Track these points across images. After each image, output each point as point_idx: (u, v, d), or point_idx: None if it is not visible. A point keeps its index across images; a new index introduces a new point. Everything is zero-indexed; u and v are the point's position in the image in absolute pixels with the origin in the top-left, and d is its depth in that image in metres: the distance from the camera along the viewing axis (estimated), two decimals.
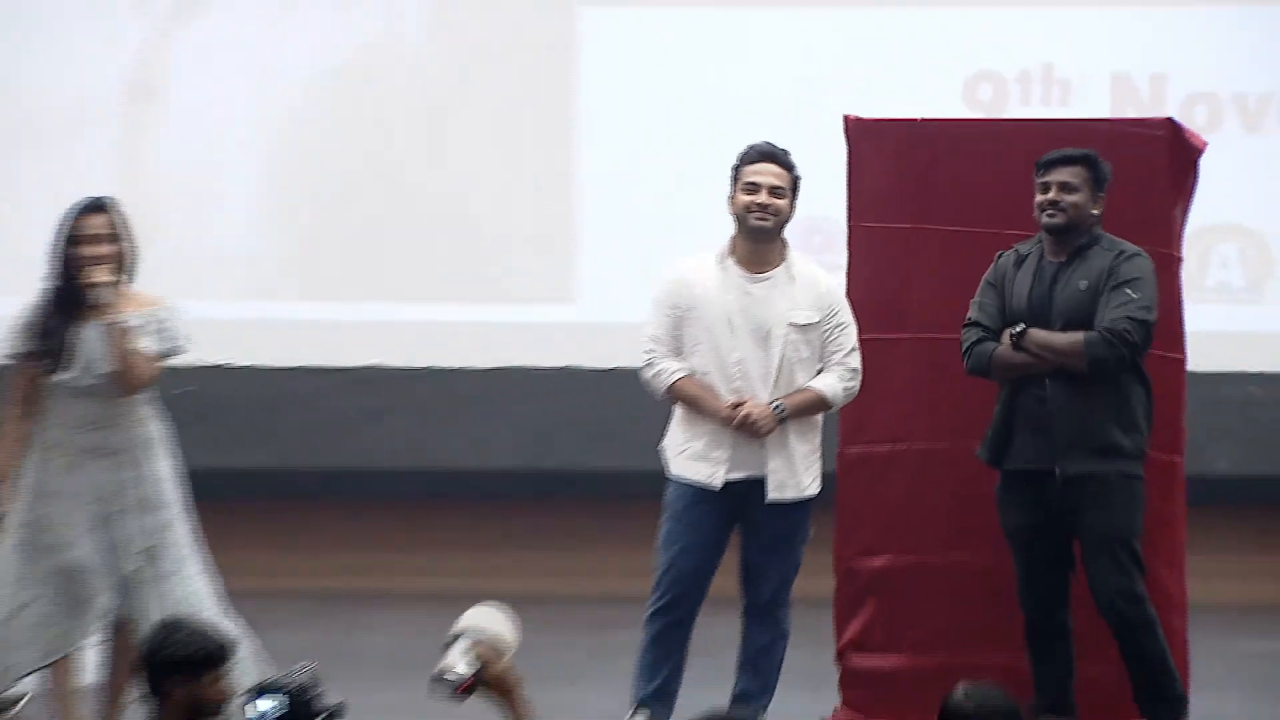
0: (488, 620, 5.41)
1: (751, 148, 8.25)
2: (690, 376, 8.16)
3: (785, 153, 8.22)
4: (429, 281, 11.55)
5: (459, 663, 5.31)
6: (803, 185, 8.24)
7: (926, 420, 8.65)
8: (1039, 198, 8.04)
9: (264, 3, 11.70)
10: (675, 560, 8.25)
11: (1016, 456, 8.06)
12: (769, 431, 8.06)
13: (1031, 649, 8.13)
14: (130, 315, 7.91)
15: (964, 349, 8.10)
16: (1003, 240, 8.33)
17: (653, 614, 8.27)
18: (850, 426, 8.70)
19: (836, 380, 8.16)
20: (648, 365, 8.25)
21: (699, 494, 8.20)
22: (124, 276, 7.96)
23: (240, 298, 11.57)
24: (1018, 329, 7.96)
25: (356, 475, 11.63)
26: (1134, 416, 7.98)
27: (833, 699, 8.72)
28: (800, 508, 8.22)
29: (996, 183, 8.56)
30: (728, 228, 8.25)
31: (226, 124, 11.69)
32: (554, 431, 11.39)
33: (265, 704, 5.48)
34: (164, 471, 8.10)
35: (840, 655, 8.78)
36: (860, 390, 8.27)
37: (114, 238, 7.96)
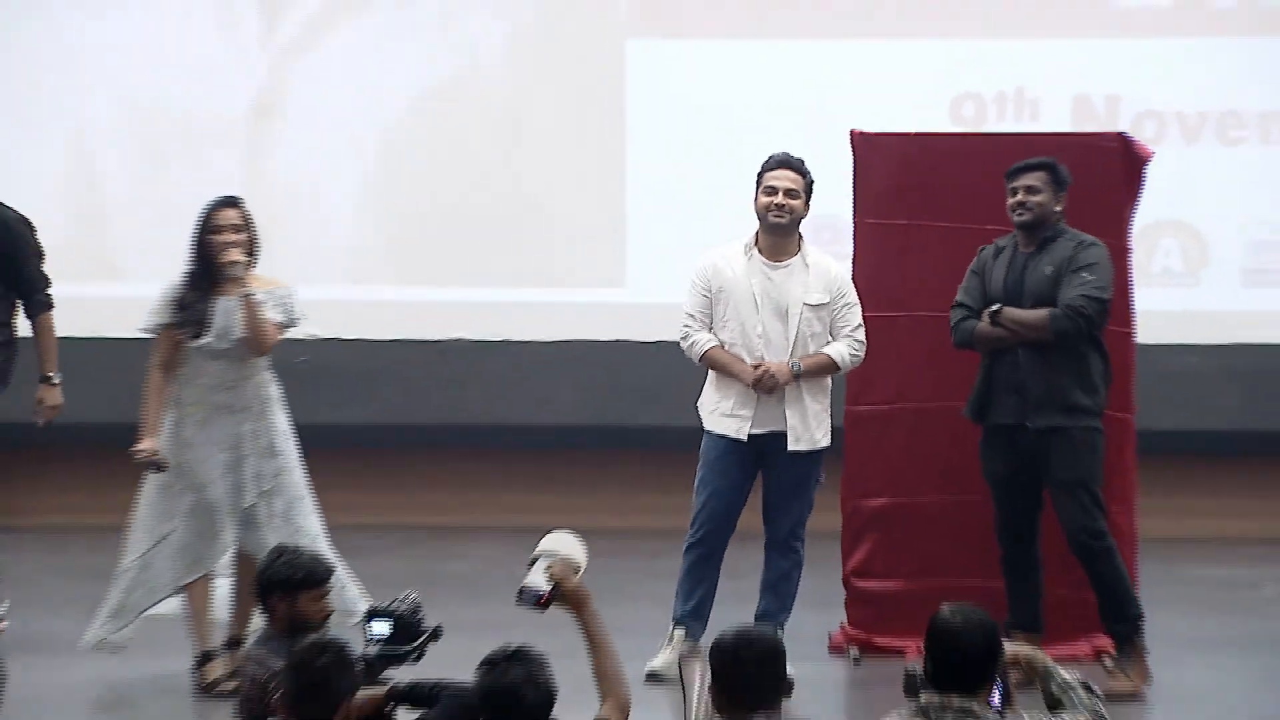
0: (562, 544, 5.40)
1: (771, 156, 8.25)
2: (719, 346, 8.16)
3: (800, 160, 8.20)
4: (503, 268, 11.54)
5: (539, 579, 5.30)
6: (816, 188, 8.23)
7: (921, 385, 8.64)
8: (1009, 200, 8.03)
9: (368, 36, 11.67)
10: (708, 501, 8.25)
11: (995, 414, 8.05)
12: (786, 383, 8.04)
13: (1007, 576, 8.12)
14: (258, 291, 7.95)
15: (952, 325, 8.08)
16: (985, 234, 8.31)
17: (690, 546, 8.27)
18: (856, 389, 8.70)
19: (845, 348, 8.15)
20: (684, 337, 8.25)
21: (729, 445, 8.19)
22: (251, 260, 7.99)
23: (346, 282, 11.56)
24: (994, 308, 7.95)
25: (442, 429, 11.62)
26: (1093, 380, 7.97)
27: (840, 616, 8.73)
28: (813, 457, 8.21)
29: (979, 186, 8.54)
30: (753, 223, 8.24)
31: (335, 137, 11.68)
32: (608, 393, 11.38)
33: (378, 626, 5.48)
34: (280, 425, 8.11)
35: (846, 581, 8.78)
36: (865, 359, 8.26)
37: (243, 228, 8.00)
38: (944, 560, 8.52)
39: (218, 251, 7.91)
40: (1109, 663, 8.09)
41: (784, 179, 8.15)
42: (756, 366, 8.05)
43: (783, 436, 8.13)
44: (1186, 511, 10.97)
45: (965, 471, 8.40)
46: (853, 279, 8.34)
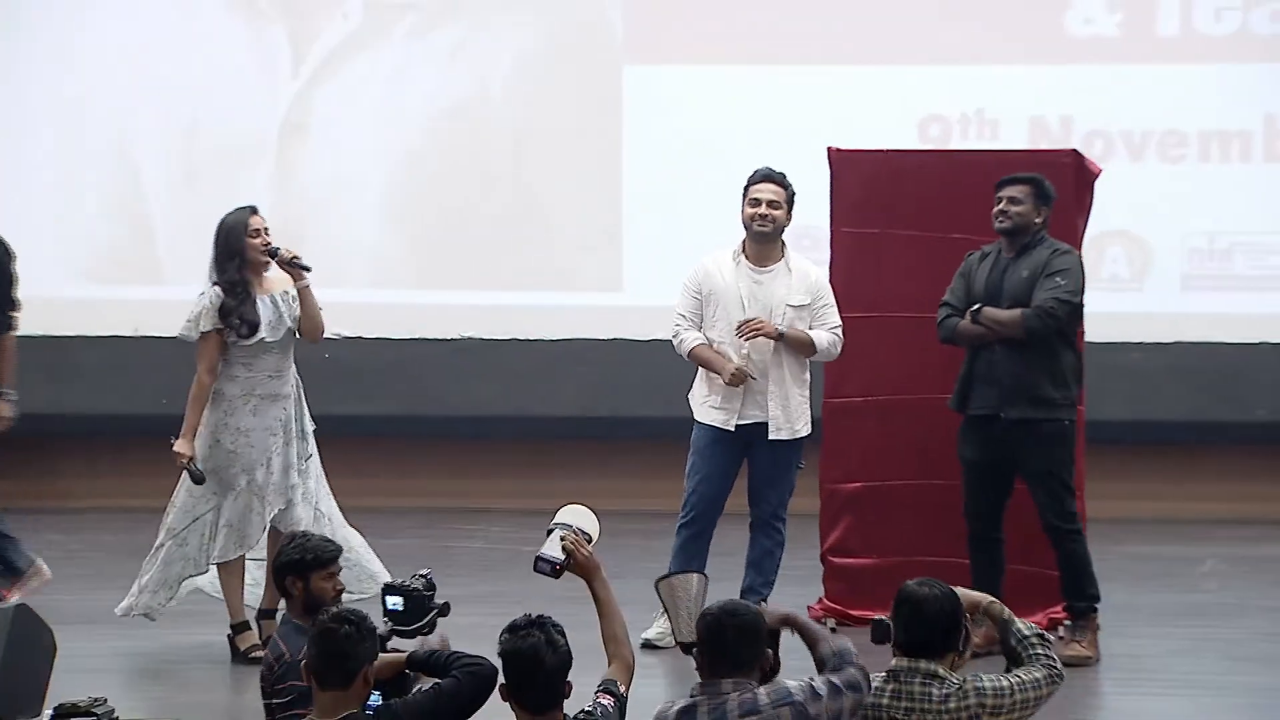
0: (576, 517, 5.34)
1: (756, 171, 8.24)
2: (705, 344, 8.14)
3: (782, 174, 8.18)
4: (511, 273, 11.51)
5: (555, 549, 5.25)
6: (797, 200, 8.19)
7: (891, 379, 8.61)
8: (994, 209, 7.98)
9: (387, 64, 11.65)
10: (698, 486, 8.22)
11: (974, 404, 8.02)
12: (772, 337, 8.01)
13: (972, 554, 8.08)
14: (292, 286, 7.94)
15: (937, 322, 8.04)
16: (950, 242, 8.30)
17: (681, 526, 8.24)
18: (833, 383, 8.67)
19: (827, 335, 8.15)
20: (675, 335, 8.25)
21: (717, 435, 8.16)
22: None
23: (367, 285, 11.53)
24: (975, 307, 7.92)
25: (455, 420, 11.59)
26: (1065, 375, 7.95)
27: (818, 591, 8.69)
28: (794, 444, 8.18)
29: (944, 198, 8.53)
30: (740, 232, 8.20)
31: (357, 154, 11.67)
32: (606, 388, 11.35)
33: (392, 600, 5.42)
34: (306, 413, 8.09)
35: (824, 558, 8.75)
36: (841, 355, 8.22)
37: (267, 230, 7.98)
38: (913, 539, 8.48)
39: (261, 251, 7.88)
40: (1062, 632, 8.05)
41: (767, 191, 8.12)
42: (737, 370, 8.01)
43: (766, 426, 8.09)
44: (1132, 495, 10.94)
45: (933, 458, 8.37)
46: (830, 283, 8.29)
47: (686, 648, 5.17)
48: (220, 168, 11.55)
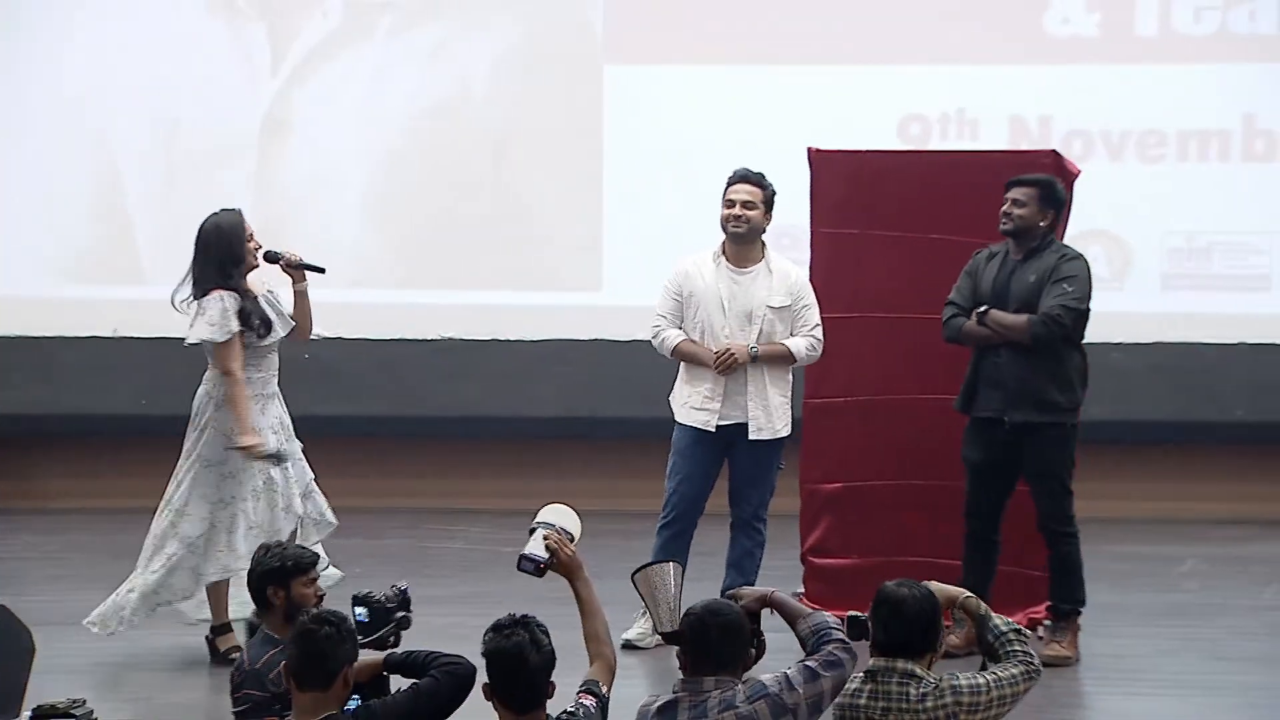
0: (558, 516, 5.35)
1: (734, 172, 8.23)
2: (687, 339, 8.14)
3: (759, 175, 8.18)
4: (492, 274, 11.50)
5: (538, 548, 5.25)
6: (777, 200, 8.19)
7: (871, 379, 8.61)
8: (1001, 209, 7.97)
9: (368, 64, 11.64)
10: (679, 486, 8.22)
11: (979, 406, 8.02)
12: (744, 362, 8.00)
13: (966, 552, 8.05)
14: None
15: (943, 321, 8.04)
16: (929, 243, 8.32)
17: (662, 526, 8.24)
18: (813, 383, 8.68)
19: (803, 342, 8.15)
20: (655, 335, 8.26)
21: (697, 435, 8.16)
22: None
23: (348, 285, 11.49)
24: (982, 309, 7.91)
25: (437, 421, 11.58)
26: (1070, 379, 7.95)
27: (797, 590, 8.68)
28: (775, 445, 8.19)
29: (922, 198, 8.53)
30: (720, 233, 8.21)
31: (337, 154, 11.66)
32: (587, 388, 11.34)
33: (358, 610, 5.41)
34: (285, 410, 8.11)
35: (804, 558, 8.76)
36: (821, 356, 8.22)
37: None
38: (893, 539, 8.49)
39: (252, 253, 7.89)
40: (1042, 632, 8.06)
41: (742, 192, 8.13)
42: (721, 352, 8.03)
43: (746, 427, 8.10)
44: (1114, 494, 10.95)
45: (913, 458, 8.38)
46: (810, 283, 8.30)
47: (669, 637, 5.19)
48: (200, 167, 11.53)
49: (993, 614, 5.28)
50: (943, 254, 8.35)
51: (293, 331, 8.03)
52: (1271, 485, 11.31)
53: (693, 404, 8.16)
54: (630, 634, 8.00)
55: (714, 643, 5.00)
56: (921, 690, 5.07)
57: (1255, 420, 11.17)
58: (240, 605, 7.82)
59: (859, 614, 5.18)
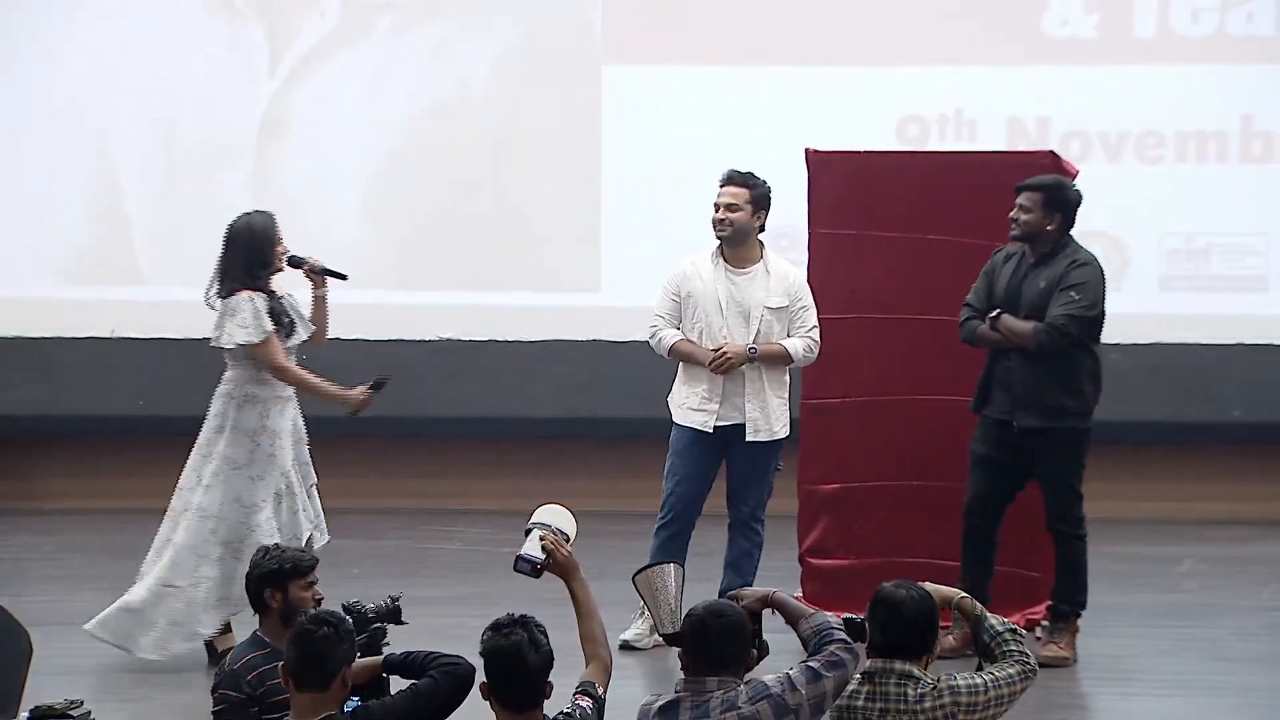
0: (554, 517, 5.35)
1: (724, 174, 8.22)
2: (684, 339, 8.14)
3: (746, 175, 8.17)
4: (491, 274, 11.51)
5: (534, 549, 5.25)
6: (775, 200, 8.19)
7: (869, 380, 8.61)
8: (1009, 215, 7.98)
9: (367, 64, 11.64)
10: (677, 487, 8.22)
11: (991, 407, 8.03)
12: (741, 363, 8.00)
13: (965, 551, 8.06)
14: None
15: (960, 323, 8.05)
16: (926, 244, 8.33)
17: (660, 527, 8.24)
18: (811, 384, 8.67)
19: (800, 343, 8.14)
20: (652, 335, 8.26)
21: (695, 436, 8.16)
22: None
23: (346, 286, 11.42)
24: (994, 314, 7.93)
25: (436, 421, 11.57)
26: (1080, 383, 7.97)
27: (796, 591, 8.67)
28: (772, 446, 8.19)
29: (922, 199, 8.53)
30: None
31: (337, 154, 11.66)
32: (585, 388, 11.35)
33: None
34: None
35: (802, 559, 8.76)
36: (818, 357, 8.22)
37: None
38: (891, 540, 8.49)
39: (279, 257, 7.89)
40: (1040, 633, 8.07)
41: (726, 195, 8.16)
42: (718, 350, 8.03)
43: (744, 428, 8.10)
44: (1113, 495, 10.93)
45: (910, 459, 8.38)
46: (808, 284, 8.29)
47: (670, 639, 5.20)
48: (199, 168, 11.53)
49: (988, 614, 5.29)
50: (940, 255, 8.36)
51: (311, 336, 8.02)
52: (1270, 485, 11.32)
53: (691, 405, 8.16)
54: (628, 635, 8.00)
55: (715, 644, 5.01)
56: (919, 691, 5.08)
57: (1253, 421, 11.18)
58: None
59: (854, 616, 5.18)
